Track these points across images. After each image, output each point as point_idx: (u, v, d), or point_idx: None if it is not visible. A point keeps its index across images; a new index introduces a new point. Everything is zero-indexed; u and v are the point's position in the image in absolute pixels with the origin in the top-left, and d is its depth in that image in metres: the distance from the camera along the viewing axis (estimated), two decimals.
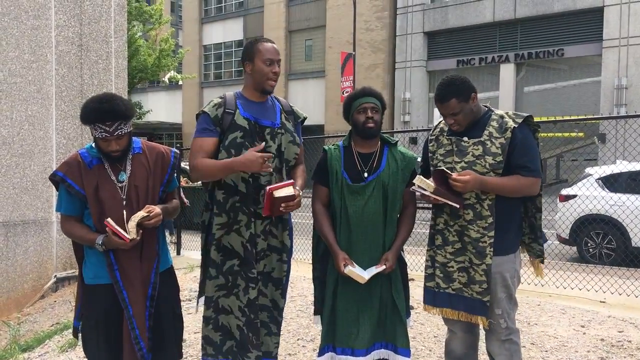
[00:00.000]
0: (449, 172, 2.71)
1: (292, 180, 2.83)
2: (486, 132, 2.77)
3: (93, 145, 2.73)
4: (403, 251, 3.04)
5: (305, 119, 3.18)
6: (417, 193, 2.76)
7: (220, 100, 2.90)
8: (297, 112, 3.12)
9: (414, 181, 2.78)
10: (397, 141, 3.05)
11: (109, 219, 2.54)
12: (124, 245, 2.56)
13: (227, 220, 2.85)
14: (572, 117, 6.99)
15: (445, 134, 2.91)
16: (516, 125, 2.74)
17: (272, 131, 2.90)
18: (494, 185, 2.71)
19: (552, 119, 6.83)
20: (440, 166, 2.84)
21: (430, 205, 2.97)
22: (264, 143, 2.80)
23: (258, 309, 2.88)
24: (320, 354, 2.93)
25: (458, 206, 2.72)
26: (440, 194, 2.71)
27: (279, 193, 2.70)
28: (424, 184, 2.73)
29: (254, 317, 2.85)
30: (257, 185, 2.84)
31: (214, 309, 2.87)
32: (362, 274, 2.80)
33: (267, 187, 2.72)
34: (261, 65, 2.86)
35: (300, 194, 2.85)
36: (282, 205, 2.73)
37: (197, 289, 3.17)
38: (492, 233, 2.72)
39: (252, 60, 2.89)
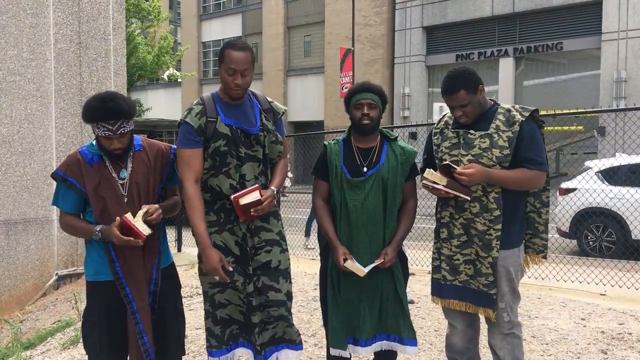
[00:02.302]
0: (454, 166, 2.71)
1: (256, 185, 2.79)
2: (493, 125, 2.77)
3: (94, 142, 2.74)
4: (403, 245, 3.05)
5: (284, 112, 3.07)
6: (428, 186, 2.77)
7: (200, 107, 2.82)
8: (275, 108, 3.02)
9: (425, 175, 2.78)
10: (397, 136, 3.06)
11: (127, 215, 2.55)
12: (136, 242, 2.57)
13: (216, 219, 2.86)
14: (572, 111, 6.99)
15: (450, 127, 2.92)
16: (524, 119, 2.75)
17: (256, 137, 2.86)
18: (499, 177, 2.71)
19: (552, 112, 6.82)
20: (445, 159, 2.84)
21: (436, 199, 2.98)
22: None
23: (256, 307, 2.87)
24: (328, 348, 2.94)
25: (468, 198, 2.73)
26: (452, 186, 2.71)
27: (243, 200, 2.73)
28: (435, 178, 2.74)
29: (250, 312, 2.86)
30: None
31: (211, 304, 2.93)
32: (361, 268, 2.82)
33: (232, 196, 2.73)
34: (224, 74, 2.78)
35: (274, 193, 2.85)
36: (252, 210, 2.75)
37: (199, 286, 3.19)
38: (498, 226, 2.73)
39: (220, 64, 2.82)
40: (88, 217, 2.72)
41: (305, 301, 5.29)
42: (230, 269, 2.80)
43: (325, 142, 3.07)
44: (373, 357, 3.03)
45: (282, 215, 3.12)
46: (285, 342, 2.92)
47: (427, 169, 2.81)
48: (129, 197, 2.70)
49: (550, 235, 7.14)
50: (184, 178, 2.80)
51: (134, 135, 2.78)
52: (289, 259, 3.02)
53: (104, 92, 2.69)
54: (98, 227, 2.62)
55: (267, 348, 2.91)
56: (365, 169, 2.93)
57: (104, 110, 2.54)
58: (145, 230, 2.58)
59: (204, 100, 2.85)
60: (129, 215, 2.55)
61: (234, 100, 2.86)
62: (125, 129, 2.62)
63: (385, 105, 3.00)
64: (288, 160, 3.13)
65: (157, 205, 2.68)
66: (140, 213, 2.61)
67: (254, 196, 2.74)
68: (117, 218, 2.56)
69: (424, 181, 2.80)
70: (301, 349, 2.97)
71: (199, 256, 2.91)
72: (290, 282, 2.99)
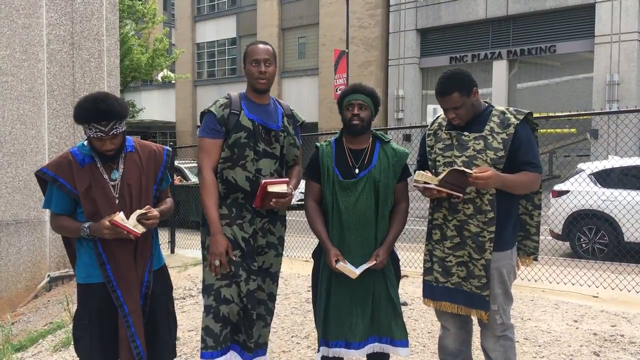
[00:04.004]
0: (468, 170, 2.63)
1: (287, 179, 2.94)
2: (487, 127, 2.77)
3: (85, 143, 2.72)
4: (395, 247, 3.04)
5: (303, 122, 3.27)
6: (420, 187, 2.75)
7: (226, 100, 2.99)
8: (296, 116, 3.22)
9: (415, 177, 2.76)
10: (390, 139, 3.06)
11: (116, 217, 2.53)
12: (127, 236, 2.55)
13: (228, 213, 2.94)
14: (565, 113, 7.01)
15: (444, 129, 2.91)
16: (518, 122, 2.75)
17: (276, 134, 3.01)
18: (510, 181, 2.70)
19: (545, 115, 6.84)
20: (439, 160, 2.83)
21: (429, 201, 2.96)
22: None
23: (256, 301, 2.97)
24: (318, 350, 2.95)
25: (461, 195, 2.69)
26: (445, 186, 2.69)
27: (272, 188, 2.81)
28: (426, 178, 2.71)
29: (250, 307, 2.94)
30: (258, 185, 2.89)
31: (215, 298, 2.91)
32: (353, 270, 2.81)
33: (263, 181, 2.82)
34: (249, 66, 2.97)
35: (293, 193, 2.96)
36: (273, 200, 2.83)
37: (192, 287, 3.18)
38: (492, 228, 2.72)
39: (244, 61, 3.01)
40: (79, 218, 2.69)
41: (298, 303, 5.28)
42: (234, 258, 2.90)
43: (317, 144, 3.08)
44: (365, 359, 3.03)
45: None
46: (259, 347, 3.02)
47: (418, 171, 2.80)
48: (121, 199, 2.67)
49: (543, 238, 7.17)
50: (203, 165, 2.93)
51: (126, 136, 2.77)
52: (280, 263, 3.12)
53: (95, 92, 2.67)
54: (87, 224, 2.60)
55: (257, 349, 3.00)
56: (357, 171, 2.93)
57: (97, 111, 2.52)
58: (137, 229, 2.57)
59: (230, 96, 3.02)
60: (118, 218, 2.53)
61: (259, 94, 3.01)
62: (118, 130, 2.60)
63: (378, 107, 3.01)
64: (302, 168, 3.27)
65: (157, 213, 2.67)
66: (138, 212, 2.60)
67: (282, 188, 2.83)
68: (105, 222, 2.53)
69: (414, 183, 2.79)
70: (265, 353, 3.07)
71: (207, 246, 2.96)
72: (276, 285, 3.12)
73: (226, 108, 2.95)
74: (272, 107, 3.07)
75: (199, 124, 3.09)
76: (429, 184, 2.70)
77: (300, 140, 3.20)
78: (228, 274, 2.91)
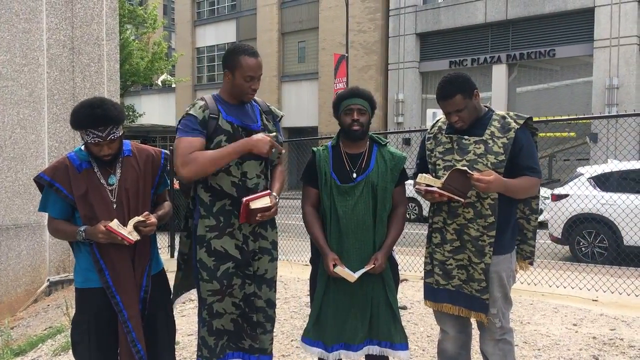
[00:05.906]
0: (470, 172, 2.65)
1: (268, 191, 2.84)
2: (488, 132, 2.78)
3: (82, 148, 2.72)
4: (394, 251, 3.04)
5: (282, 116, 3.18)
6: (421, 190, 2.75)
7: (203, 103, 2.85)
8: (274, 111, 3.11)
9: (418, 179, 2.77)
10: (388, 142, 3.06)
11: (112, 223, 2.53)
12: (121, 242, 2.55)
13: (216, 223, 2.83)
14: (564, 117, 7.02)
15: (444, 132, 2.92)
16: (518, 127, 2.76)
17: (257, 134, 2.88)
18: (513, 186, 2.71)
19: (544, 119, 6.85)
20: (439, 164, 2.84)
21: (428, 205, 2.96)
22: (275, 133, 2.83)
23: (254, 303, 2.91)
24: (308, 343, 2.92)
25: (463, 200, 2.70)
26: (447, 189, 2.69)
27: (255, 204, 2.72)
28: (429, 181, 2.72)
29: (249, 311, 2.89)
30: (245, 189, 2.82)
31: (208, 313, 2.87)
32: (351, 274, 2.81)
33: (244, 199, 2.72)
34: (241, 80, 2.81)
35: (277, 200, 2.86)
36: (259, 215, 2.75)
37: (191, 291, 3.16)
38: (492, 232, 2.73)
39: (232, 71, 2.84)
40: (77, 223, 2.69)
41: (298, 307, 5.27)
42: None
43: (314, 149, 3.06)
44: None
45: (276, 222, 3.11)
46: (256, 351, 2.94)
47: (420, 174, 2.80)
48: (118, 203, 2.68)
49: (542, 241, 7.16)
50: (184, 157, 2.69)
51: (124, 140, 2.77)
52: (276, 268, 3.03)
53: (91, 98, 2.67)
54: (82, 227, 2.60)
55: (256, 353, 2.95)
56: (354, 175, 2.92)
57: (93, 117, 2.52)
58: (132, 235, 2.56)
59: (205, 99, 2.90)
60: (113, 223, 2.54)
61: (242, 103, 2.92)
62: (115, 135, 2.60)
63: (374, 111, 3.00)
64: (285, 167, 3.16)
65: (155, 220, 2.66)
66: (136, 219, 2.60)
67: (265, 202, 2.74)
68: (101, 226, 2.54)
69: (417, 186, 2.79)
70: (270, 358, 2.99)
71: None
72: (275, 291, 3.02)
73: (206, 109, 2.82)
74: (248, 107, 2.97)
75: None
76: (431, 186, 2.71)
77: (282, 135, 3.10)
78: (221, 288, 2.84)
